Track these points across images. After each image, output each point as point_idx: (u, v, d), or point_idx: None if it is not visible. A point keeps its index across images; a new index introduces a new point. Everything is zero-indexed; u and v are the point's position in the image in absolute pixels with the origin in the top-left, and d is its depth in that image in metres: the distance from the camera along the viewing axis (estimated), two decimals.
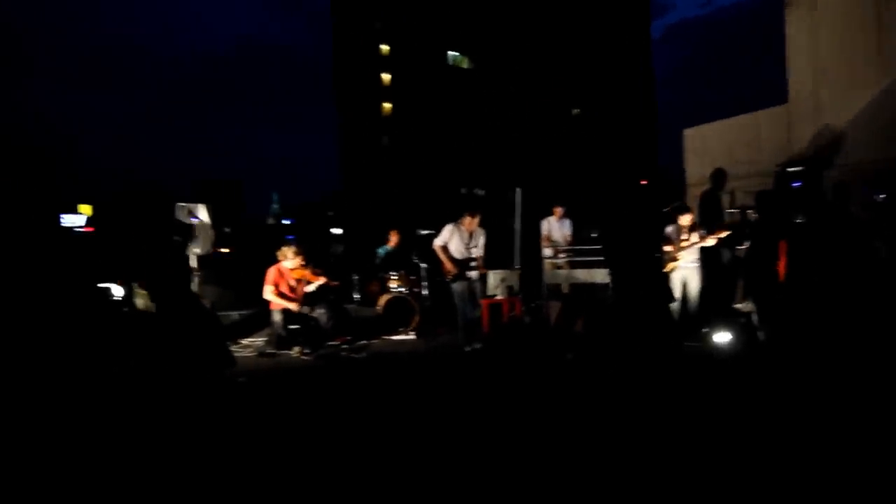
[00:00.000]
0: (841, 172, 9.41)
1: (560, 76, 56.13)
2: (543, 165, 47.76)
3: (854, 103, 9.96)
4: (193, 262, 8.46)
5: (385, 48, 55.75)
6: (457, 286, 8.01)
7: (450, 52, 55.46)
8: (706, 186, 10.75)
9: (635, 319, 7.27)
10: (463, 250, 7.98)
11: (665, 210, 7.55)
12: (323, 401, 5.82)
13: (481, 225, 8.35)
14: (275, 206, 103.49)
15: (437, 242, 8.08)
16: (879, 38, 9.80)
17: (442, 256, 8.01)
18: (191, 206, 8.57)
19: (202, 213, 8.60)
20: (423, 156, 51.73)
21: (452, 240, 8.03)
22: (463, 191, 49.44)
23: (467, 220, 8.03)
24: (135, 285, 7.43)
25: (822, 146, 9.64)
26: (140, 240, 8.29)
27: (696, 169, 13.25)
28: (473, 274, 8.11)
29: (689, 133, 13.79)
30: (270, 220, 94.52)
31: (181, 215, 8.49)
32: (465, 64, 56.10)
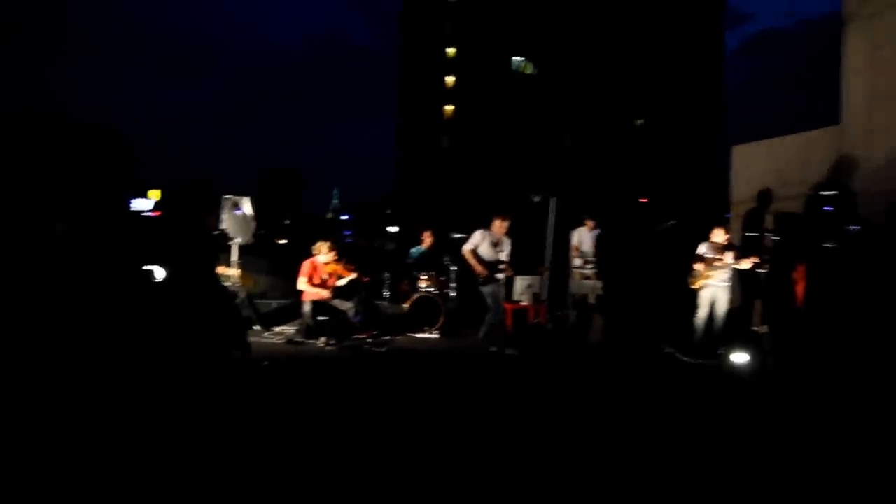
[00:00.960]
0: (886, 200, 9.17)
1: (626, 86, 55.38)
2: (597, 175, 47.26)
3: None
4: (234, 252, 8.95)
5: (451, 51, 56.23)
6: (487, 289, 8.17)
7: (515, 58, 55.45)
8: (751, 205, 10.60)
9: (622, 331, 7.36)
10: (492, 254, 8.15)
11: (659, 229, 7.60)
12: (335, 388, 6.15)
13: (517, 231, 8.50)
14: (335, 201, 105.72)
15: (467, 247, 8.24)
16: None
17: (471, 260, 8.17)
18: (236, 198, 9.07)
19: (246, 206, 9.08)
20: (481, 159, 51.91)
21: (483, 244, 8.20)
22: (518, 197, 49.32)
23: (497, 224, 8.18)
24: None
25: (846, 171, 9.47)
26: (182, 227, 8.78)
27: (743, 187, 13.03)
28: (500, 277, 8.27)
29: (737, 150, 13.57)
30: (330, 215, 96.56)
31: (226, 207, 8.99)
32: (529, 70, 55.99)
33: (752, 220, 9.79)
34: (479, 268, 8.09)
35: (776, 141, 12.93)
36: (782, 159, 12.46)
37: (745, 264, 7.78)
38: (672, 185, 43.53)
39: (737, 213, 12.18)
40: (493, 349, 7.99)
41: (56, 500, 3.33)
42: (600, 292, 9.19)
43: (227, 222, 9.01)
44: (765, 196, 9.47)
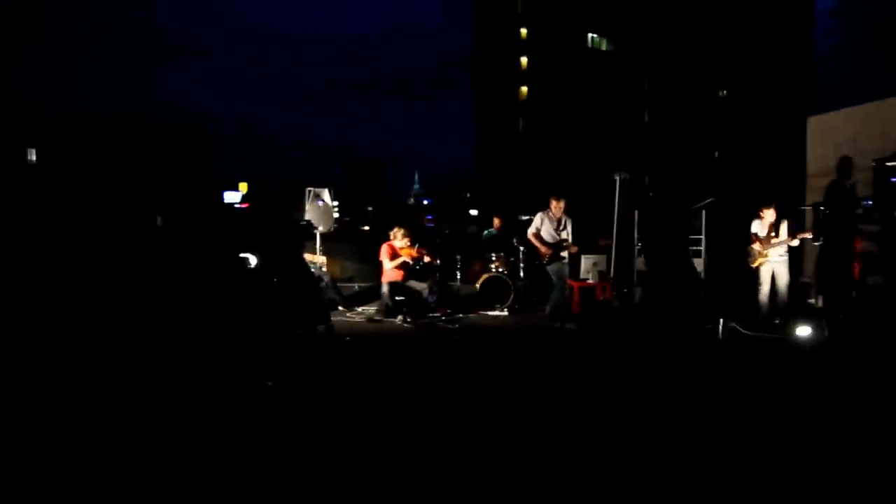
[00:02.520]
0: None
1: (706, 55, 53.51)
2: (682, 151, 46.15)
3: None
4: (318, 240, 9.79)
5: (524, 31, 55.95)
6: (552, 267, 8.63)
7: (589, 35, 54.64)
8: (832, 177, 10.59)
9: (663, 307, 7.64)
10: (554, 234, 8.60)
11: (696, 207, 7.80)
12: (411, 361, 6.80)
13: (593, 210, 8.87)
14: (416, 186, 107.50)
15: (531, 231, 8.77)
16: None
17: (536, 243, 8.68)
18: (317, 190, 9.88)
19: (326, 197, 9.88)
20: (558, 140, 51.61)
21: (543, 226, 8.67)
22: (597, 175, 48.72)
23: (554, 205, 8.63)
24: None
25: None
26: (272, 219, 9.68)
27: (819, 159, 12.84)
28: (564, 255, 8.67)
29: (812, 121, 13.35)
30: (411, 200, 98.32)
31: (309, 198, 9.82)
32: (604, 46, 55.06)
33: (835, 191, 9.70)
34: (543, 249, 8.58)
35: (853, 110, 12.65)
36: (859, 128, 12.21)
37: (795, 241, 7.91)
38: (755, 158, 42.00)
39: (812, 185, 12.05)
40: (557, 325, 8.46)
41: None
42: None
43: (310, 213, 9.85)
44: (844, 165, 9.37)
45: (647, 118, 53.55)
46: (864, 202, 7.36)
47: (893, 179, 7.65)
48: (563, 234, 8.64)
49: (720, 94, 55.76)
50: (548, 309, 8.73)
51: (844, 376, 5.85)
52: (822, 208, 7.80)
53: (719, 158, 44.99)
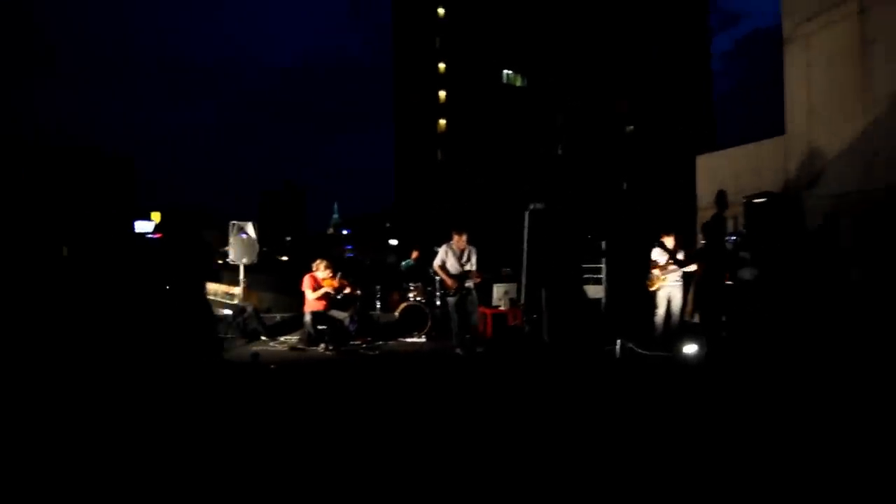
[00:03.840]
0: (829, 203, 10.25)
1: (614, 94, 56.58)
2: (592, 183, 48.40)
3: (842, 136, 10.75)
4: (241, 272, 10.05)
5: (442, 66, 57.57)
6: (451, 299, 9.12)
7: (505, 71, 56.75)
8: (714, 210, 11.73)
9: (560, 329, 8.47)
10: (457, 266, 9.14)
11: (589, 237, 8.69)
12: (333, 387, 7.20)
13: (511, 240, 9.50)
14: (335, 216, 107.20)
15: (436, 263, 9.27)
16: (864, 74, 10.59)
17: (441, 275, 9.22)
18: (240, 223, 10.17)
19: (250, 230, 10.17)
20: (475, 171, 53.06)
21: (448, 258, 9.19)
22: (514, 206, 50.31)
23: (456, 238, 9.19)
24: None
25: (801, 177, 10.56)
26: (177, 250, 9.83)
27: (707, 194, 14.17)
28: (469, 284, 9.21)
29: (700, 159, 14.70)
30: (330, 230, 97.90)
31: (232, 231, 10.09)
32: (519, 82, 57.29)
33: (714, 223, 10.84)
34: (448, 281, 9.09)
35: (734, 150, 14.07)
36: (739, 168, 13.59)
37: (692, 267, 8.86)
38: (655, 190, 44.62)
39: (702, 217, 13.30)
40: (458, 352, 8.99)
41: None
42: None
43: (233, 245, 10.10)
44: (720, 199, 10.45)
45: (560, 151, 55.94)
46: (728, 236, 8.38)
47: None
48: (468, 266, 9.17)
49: (627, 129, 58.95)
50: (453, 340, 9.21)
51: (721, 387, 6.70)
52: (702, 242, 8.79)
53: (627, 190, 47.52)
